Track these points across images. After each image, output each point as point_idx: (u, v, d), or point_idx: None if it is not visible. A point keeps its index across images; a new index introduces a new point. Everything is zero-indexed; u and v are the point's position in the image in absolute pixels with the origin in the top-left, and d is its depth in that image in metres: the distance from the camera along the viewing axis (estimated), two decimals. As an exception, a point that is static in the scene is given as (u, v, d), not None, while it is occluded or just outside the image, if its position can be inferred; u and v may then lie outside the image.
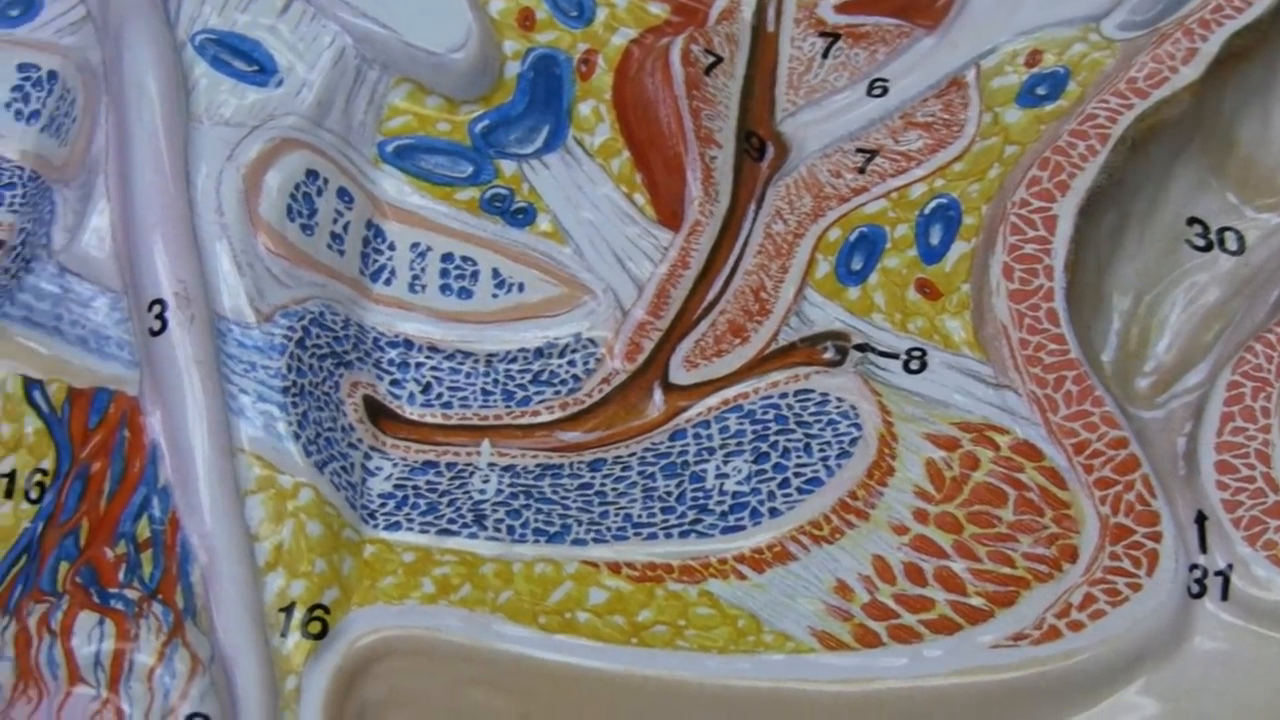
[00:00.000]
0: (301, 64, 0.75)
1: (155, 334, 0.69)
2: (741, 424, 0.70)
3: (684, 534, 0.68)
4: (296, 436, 0.69)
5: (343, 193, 0.74)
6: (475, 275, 0.75)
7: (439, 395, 0.73)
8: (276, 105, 0.74)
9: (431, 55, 0.77)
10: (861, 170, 0.75)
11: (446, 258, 0.75)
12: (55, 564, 0.67)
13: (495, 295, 0.74)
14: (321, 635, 0.67)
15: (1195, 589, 0.66)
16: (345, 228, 0.74)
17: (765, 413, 0.70)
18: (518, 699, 0.68)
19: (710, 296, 0.74)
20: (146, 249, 0.70)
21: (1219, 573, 0.66)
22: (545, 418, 0.72)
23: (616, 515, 0.69)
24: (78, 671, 0.65)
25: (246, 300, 0.70)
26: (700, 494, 0.68)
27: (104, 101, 0.73)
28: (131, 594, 0.66)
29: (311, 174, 0.73)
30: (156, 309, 0.69)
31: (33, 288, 0.72)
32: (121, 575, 0.67)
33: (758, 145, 0.76)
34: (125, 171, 0.71)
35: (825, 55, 0.79)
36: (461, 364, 0.74)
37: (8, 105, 0.78)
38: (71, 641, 0.65)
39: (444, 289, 0.75)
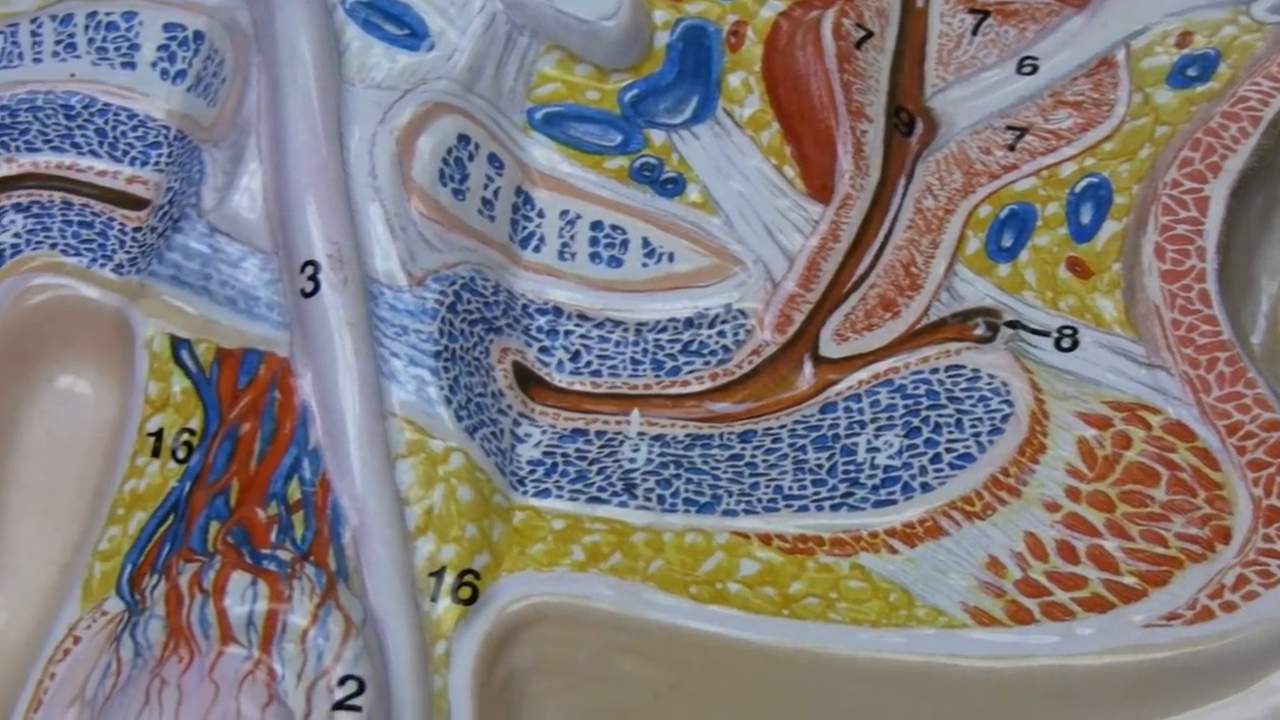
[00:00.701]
0: (453, 29, 0.75)
1: (307, 296, 0.69)
2: (893, 398, 0.70)
3: (835, 507, 0.68)
4: (448, 401, 0.69)
5: (493, 158, 0.74)
6: (625, 244, 0.75)
7: (588, 363, 0.73)
8: (428, 69, 0.74)
9: (582, 23, 0.77)
10: (1011, 147, 0.75)
11: (596, 226, 0.75)
12: (205, 524, 0.68)
13: (645, 264, 0.74)
14: (472, 601, 0.67)
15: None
16: (496, 194, 0.74)
17: (916, 387, 0.70)
18: (667, 668, 0.68)
19: (860, 270, 0.74)
20: (299, 210, 0.70)
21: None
22: (695, 388, 0.72)
23: (767, 487, 0.69)
24: (230, 631, 0.65)
25: (399, 264, 0.70)
26: (851, 467, 0.68)
27: (255, 62, 0.73)
28: (284, 555, 0.66)
29: (463, 139, 0.73)
30: (309, 270, 0.69)
31: (181, 247, 0.73)
32: (273, 536, 0.67)
33: (907, 120, 0.76)
34: (278, 132, 0.71)
35: (975, 32, 0.78)
36: (611, 332, 0.74)
37: (154, 65, 0.79)
38: (224, 601, 0.65)
39: (593, 257, 0.75)
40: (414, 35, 0.75)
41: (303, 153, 0.71)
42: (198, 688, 0.64)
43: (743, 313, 0.73)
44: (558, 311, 0.74)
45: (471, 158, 0.74)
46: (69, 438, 0.76)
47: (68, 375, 0.77)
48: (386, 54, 0.74)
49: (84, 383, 0.77)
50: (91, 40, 0.80)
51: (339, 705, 0.64)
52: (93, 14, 0.80)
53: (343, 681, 0.64)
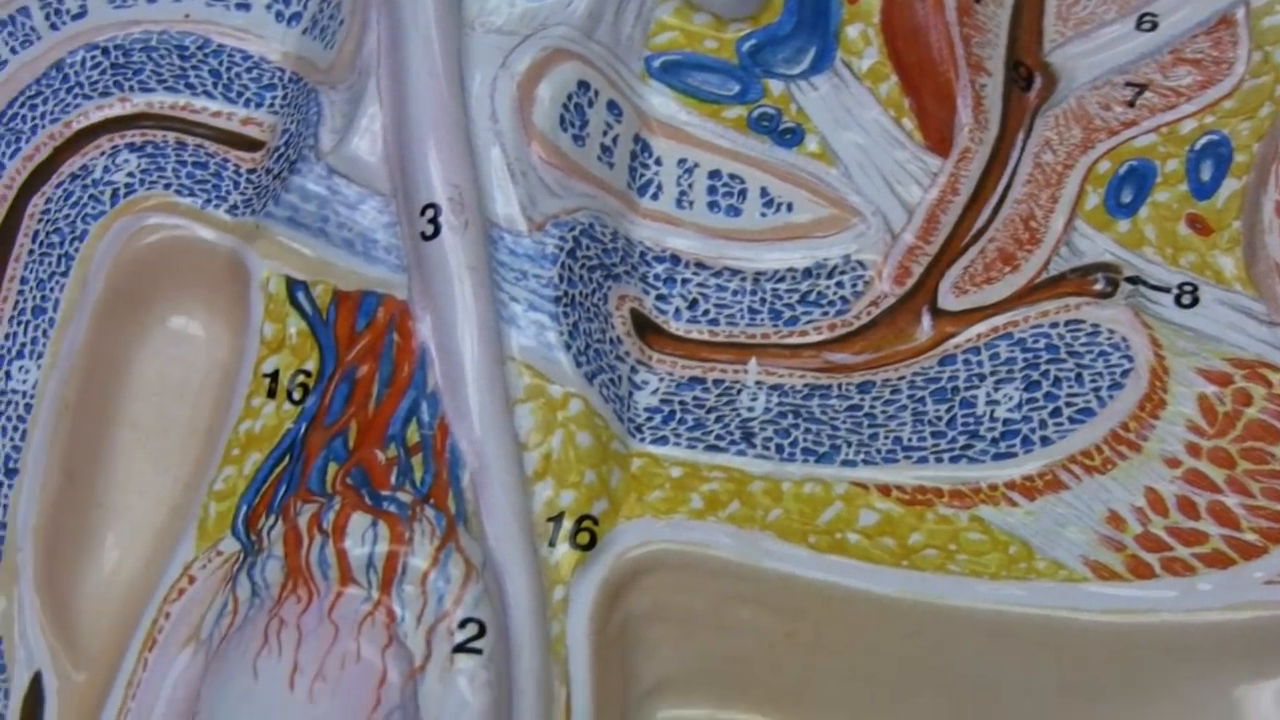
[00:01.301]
0: None
1: (427, 239, 0.69)
2: (1012, 352, 0.70)
3: (955, 459, 0.68)
4: (567, 346, 0.69)
5: (612, 105, 0.74)
6: (743, 193, 0.75)
7: (705, 312, 0.73)
8: (547, 15, 0.74)
9: (704, -30, 0.76)
10: (1131, 104, 0.75)
11: (714, 175, 0.75)
12: (323, 465, 0.68)
13: (763, 214, 0.74)
14: (590, 546, 0.67)
15: None
16: (614, 140, 0.74)
17: (1036, 341, 0.70)
18: (784, 618, 0.68)
19: (979, 224, 0.73)
20: (420, 153, 0.70)
21: None
22: (813, 338, 0.72)
23: (886, 438, 0.69)
24: (349, 572, 0.65)
25: (519, 208, 0.70)
26: (971, 420, 0.68)
27: (375, 5, 0.73)
28: (404, 497, 0.66)
29: (583, 85, 0.73)
30: (429, 214, 0.69)
31: (299, 188, 0.73)
32: (393, 478, 0.67)
33: (1025, 75, 0.76)
34: (399, 76, 0.71)
35: (1095, -15, 0.78)
36: (729, 281, 0.73)
37: (269, 7, 0.79)
38: (344, 542, 0.66)
39: (712, 206, 0.75)
40: (533, -20, 0.74)
41: (424, 96, 0.71)
42: (317, 628, 0.64)
43: (861, 264, 0.73)
44: (675, 259, 0.74)
45: (591, 104, 0.73)
46: (180, 379, 0.76)
47: (180, 316, 0.77)
48: (506, -2, 0.73)
49: (196, 324, 0.77)
50: (207, -21, 0.80)
51: (459, 648, 0.64)
52: (205, -45, 0.80)
53: (463, 624, 0.64)
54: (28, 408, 0.70)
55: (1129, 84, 0.76)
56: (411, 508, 0.66)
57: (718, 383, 0.71)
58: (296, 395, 0.70)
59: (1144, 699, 0.68)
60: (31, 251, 0.74)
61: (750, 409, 0.70)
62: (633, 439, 0.70)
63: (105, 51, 0.78)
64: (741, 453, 0.69)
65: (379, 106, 0.73)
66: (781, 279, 0.74)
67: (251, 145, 0.77)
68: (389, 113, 0.72)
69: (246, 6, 0.79)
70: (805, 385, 0.71)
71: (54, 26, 0.79)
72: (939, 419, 0.69)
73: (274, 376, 0.70)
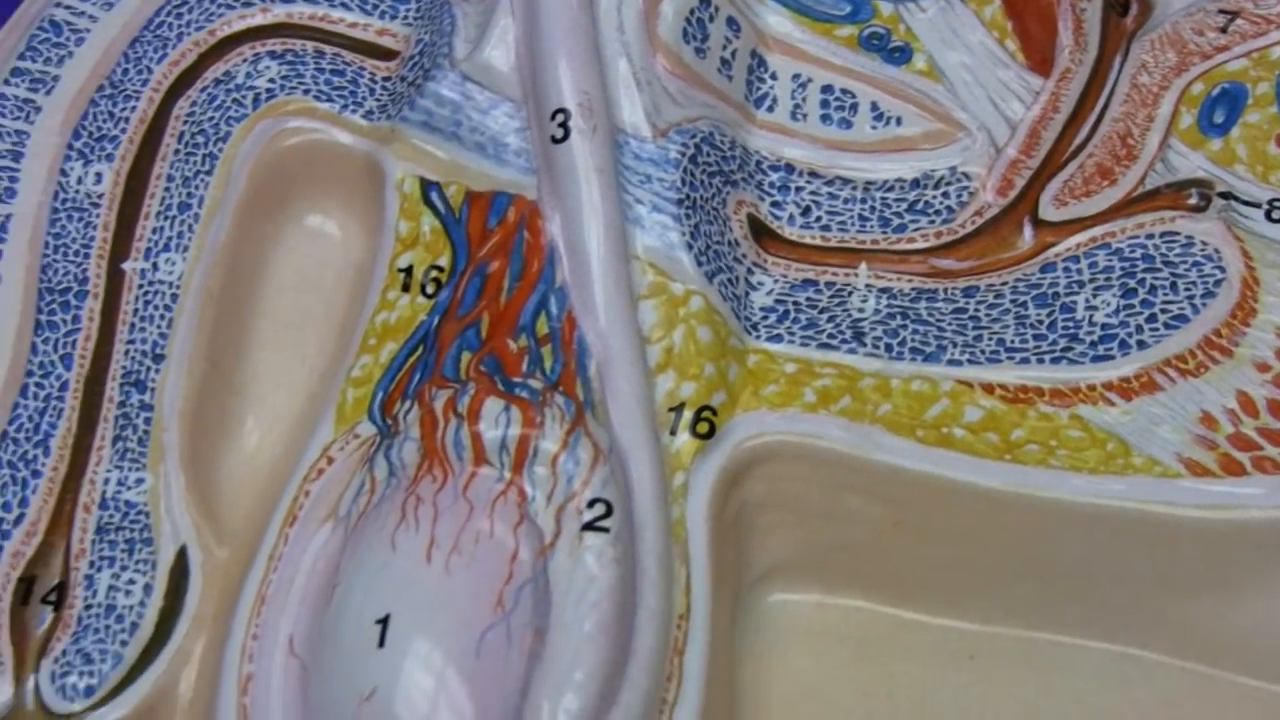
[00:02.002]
0: None
1: (557, 142, 0.69)
2: (1110, 261, 0.70)
3: (1055, 360, 0.68)
4: (689, 246, 0.69)
5: (731, 21, 0.74)
6: (854, 107, 0.74)
7: (818, 218, 0.73)
8: (671, -66, 0.73)
9: (818, -107, 0.76)
10: (1224, 30, 0.75)
11: (826, 89, 0.75)
12: (457, 354, 0.68)
13: (874, 127, 0.74)
14: (709, 435, 0.67)
15: None
16: (733, 55, 0.74)
17: (1133, 251, 0.70)
18: (892, 508, 0.68)
19: (1079, 140, 0.73)
20: (551, 62, 0.70)
21: None
22: (920, 245, 0.72)
23: (990, 339, 0.68)
24: (483, 453, 0.65)
25: (644, 115, 0.70)
26: (1070, 324, 0.68)
27: (507, -78, 0.72)
28: (535, 384, 0.66)
29: (704, 1, 0.73)
30: (559, 118, 0.69)
31: (433, 94, 0.72)
32: (524, 366, 0.67)
33: (1123, 1, 0.75)
34: (531, -13, 0.70)
35: (1189, -82, 0.77)
36: (840, 190, 0.73)
37: (398, -73, 0.78)
38: (478, 425, 0.65)
39: (824, 119, 0.74)
40: (658, -102, 0.74)
41: (555, 8, 0.71)
42: (452, 505, 0.64)
43: (966, 175, 0.73)
44: (790, 168, 0.74)
45: (712, 19, 0.73)
46: (316, 274, 0.76)
47: (316, 215, 0.77)
48: (632, -82, 0.73)
49: (332, 222, 0.77)
50: (343, -101, 0.79)
51: (587, 526, 0.64)
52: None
53: (591, 504, 0.64)
54: (174, 298, 0.70)
55: (1221, 11, 0.76)
56: (542, 394, 0.65)
57: (829, 285, 0.71)
58: (430, 289, 0.69)
59: (1231, 591, 0.68)
60: (177, 151, 0.74)
61: (860, 310, 0.70)
62: (749, 336, 0.70)
63: (248, -36, 0.77)
64: (852, 351, 0.69)
65: (511, 18, 0.72)
66: (890, 188, 0.73)
67: (386, 55, 0.77)
68: (521, 24, 0.72)
69: (383, -78, 0.79)
70: (913, 289, 0.71)
71: (199, -62, 0.78)
72: (1040, 322, 0.68)
73: (408, 271, 0.70)
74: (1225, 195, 0.72)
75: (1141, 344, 0.68)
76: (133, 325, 0.72)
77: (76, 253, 0.72)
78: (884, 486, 0.68)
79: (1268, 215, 0.71)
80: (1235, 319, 0.69)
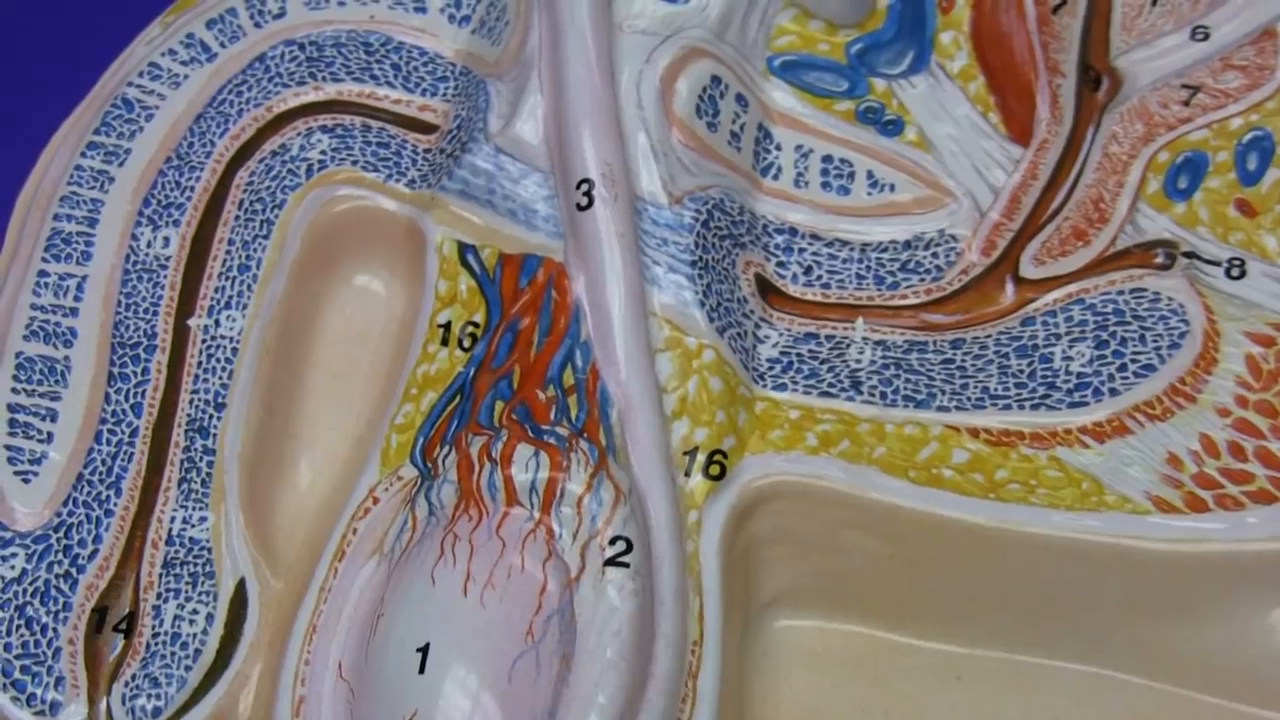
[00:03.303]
0: None
1: (582, 209, 0.69)
2: (1084, 315, 0.69)
3: (1035, 406, 0.67)
4: (702, 304, 0.68)
5: (740, 98, 0.73)
6: (852, 175, 0.74)
7: (819, 277, 0.72)
8: (685, 19, 0.73)
9: (816, -16, 0.75)
10: (1186, 103, 0.74)
11: (826, 159, 0.74)
12: (491, 403, 0.67)
13: (869, 193, 0.73)
14: (720, 477, 0.67)
15: None
16: (742, 128, 0.73)
17: (1105, 306, 0.69)
18: (886, 541, 0.68)
19: (1055, 204, 0.73)
20: (576, 135, 0.70)
21: None
22: (912, 301, 0.71)
23: (975, 387, 0.68)
24: (515, 495, 0.64)
25: (661, 184, 0.70)
26: (1049, 373, 0.67)
27: (536, 8, 0.72)
28: (562, 431, 0.65)
29: (715, 80, 0.72)
30: (584, 187, 0.69)
31: (470, 165, 0.72)
32: (553, 415, 0.66)
33: (1095, 77, 0.74)
34: (558, 68, 0.70)
35: (1154, 3, 0.76)
36: (839, 251, 0.73)
37: (442, 10, 0.78)
38: (510, 469, 0.65)
39: (824, 185, 0.74)
40: (671, -11, 0.73)
41: (580, 86, 0.70)
42: (486, 543, 0.64)
43: (954, 237, 0.72)
44: (793, 231, 0.73)
45: (722, 96, 0.72)
46: (363, 329, 0.76)
47: (364, 274, 0.77)
48: (648, 4, 0.73)
49: (378, 281, 0.77)
50: (388, -13, 0.79)
51: (610, 561, 0.63)
52: (388, -35, 0.79)
53: (613, 541, 0.63)
54: (234, 351, 0.70)
55: (1184, 86, 0.75)
56: (569, 440, 0.65)
57: (829, 338, 0.70)
58: (466, 343, 0.69)
59: (1196, 617, 0.67)
60: (237, 217, 0.73)
61: (858, 361, 0.69)
62: (757, 385, 0.69)
63: (301, 46, 0.77)
64: (850, 398, 0.69)
65: (540, 95, 0.72)
66: (884, 249, 0.73)
67: (427, 128, 0.76)
68: (549, 101, 0.71)
69: (424, 9, 0.78)
70: (905, 341, 0.70)
71: (257, 24, 0.78)
72: (1021, 371, 0.67)
73: (447, 327, 0.69)
74: (1189, 254, 0.71)
75: (1113, 391, 0.68)
76: (197, 376, 0.71)
77: (146, 310, 0.72)
78: (879, 522, 0.67)
79: (1227, 273, 0.70)
80: (1198, 368, 0.68)
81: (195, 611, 0.66)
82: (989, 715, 0.68)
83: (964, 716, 0.68)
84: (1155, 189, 0.73)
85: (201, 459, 0.69)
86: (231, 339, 0.72)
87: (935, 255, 0.73)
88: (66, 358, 0.71)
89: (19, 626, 0.65)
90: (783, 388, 0.69)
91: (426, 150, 0.75)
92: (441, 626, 0.62)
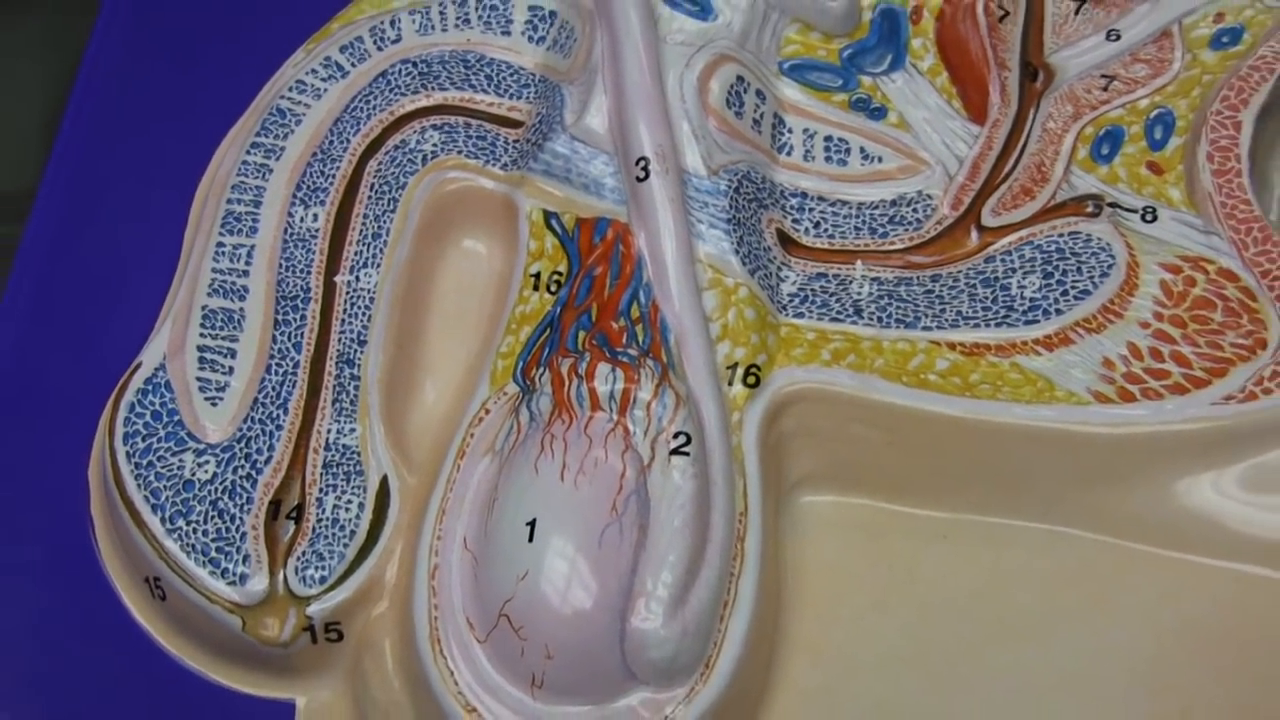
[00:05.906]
0: (728, 8, 0.76)
1: (640, 181, 0.69)
2: (1033, 253, 0.70)
3: (998, 325, 0.68)
4: (736, 252, 0.69)
5: (759, 93, 0.74)
6: (848, 151, 0.74)
7: (825, 230, 0.73)
8: (714, 33, 0.74)
9: (817, 4, 0.76)
10: (1105, 89, 0.75)
11: (828, 139, 0.75)
12: (575, 332, 0.67)
13: (862, 164, 0.74)
14: (756, 385, 0.67)
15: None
16: (761, 115, 0.74)
17: (1049, 246, 0.70)
18: (885, 432, 0.68)
19: (1007, 169, 0.74)
20: (634, 124, 0.70)
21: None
22: (899, 246, 0.72)
23: (951, 311, 0.68)
24: (598, 402, 0.65)
25: (701, 160, 0.70)
26: (1007, 298, 0.68)
27: (598, 27, 0.72)
28: (633, 352, 0.66)
29: (740, 79, 0.73)
30: (641, 164, 0.69)
31: (550, 150, 0.72)
32: (624, 340, 0.66)
33: (1033, 71, 0.75)
34: (618, 73, 0.72)
35: (1076, 13, 0.77)
36: (840, 209, 0.73)
37: (523, 32, 0.78)
38: (593, 383, 0.65)
39: (827, 159, 0.75)
40: (703, 11, 0.75)
41: (635, 86, 0.71)
42: (577, 440, 0.64)
43: (929, 196, 0.73)
44: (804, 195, 0.74)
45: (745, 91, 0.73)
46: (470, 283, 0.76)
47: (469, 239, 0.77)
48: (685, 22, 0.74)
49: (480, 245, 0.77)
50: (480, 15, 0.80)
51: (674, 451, 0.64)
52: (480, -1, 0.80)
53: (676, 435, 0.64)
54: (371, 300, 0.70)
55: (1103, 75, 0.76)
56: (638, 359, 0.65)
57: (835, 276, 0.71)
58: (553, 288, 0.69)
59: (1128, 483, 0.68)
60: (370, 197, 0.74)
61: (859, 294, 0.70)
62: (781, 314, 0.69)
63: (415, 64, 0.78)
64: (854, 322, 0.69)
65: (604, 95, 0.72)
66: (876, 207, 0.73)
67: (515, 124, 0.77)
68: (611, 98, 0.72)
69: (508, 32, 0.79)
70: (895, 277, 0.70)
71: (379, 48, 0.79)
72: (986, 298, 0.68)
73: (537, 276, 0.70)
74: (1113, 205, 0.72)
75: (1058, 311, 0.69)
76: (343, 320, 0.71)
77: (301, 270, 0.72)
78: (880, 417, 0.68)
79: (1143, 218, 0.71)
80: (1124, 291, 0.69)
81: (349, 501, 0.67)
82: (968, 565, 0.69)
83: (948, 567, 0.69)
84: (1084, 155, 0.74)
85: (349, 384, 0.70)
86: (369, 291, 0.72)
87: (915, 210, 0.73)
88: (241, 309, 0.71)
89: (213, 517, 0.66)
90: (801, 316, 0.70)
91: (515, 141, 0.76)
92: (544, 506, 0.63)
